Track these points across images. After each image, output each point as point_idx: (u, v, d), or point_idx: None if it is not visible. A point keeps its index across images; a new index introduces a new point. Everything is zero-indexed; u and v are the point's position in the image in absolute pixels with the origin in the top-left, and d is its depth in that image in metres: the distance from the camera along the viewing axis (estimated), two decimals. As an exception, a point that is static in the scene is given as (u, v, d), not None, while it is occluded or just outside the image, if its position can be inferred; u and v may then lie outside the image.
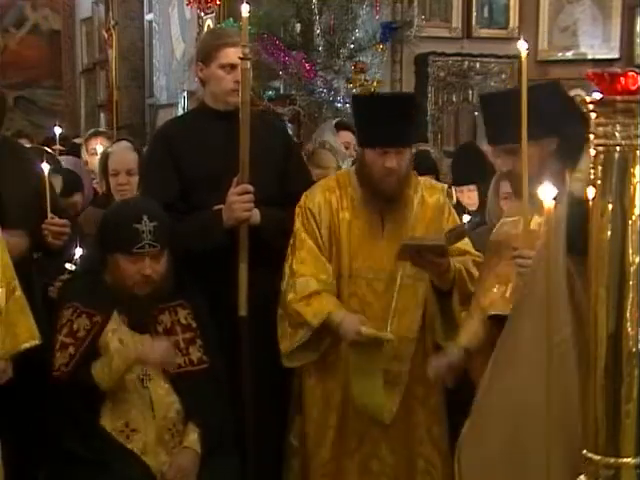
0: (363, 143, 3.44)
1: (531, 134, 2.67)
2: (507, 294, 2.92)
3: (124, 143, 4.56)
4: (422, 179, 3.56)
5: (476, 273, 3.30)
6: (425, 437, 3.43)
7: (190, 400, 3.23)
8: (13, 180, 3.49)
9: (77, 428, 3.14)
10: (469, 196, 4.50)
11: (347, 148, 4.83)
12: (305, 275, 3.35)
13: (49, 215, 3.48)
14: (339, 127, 5.00)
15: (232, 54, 3.48)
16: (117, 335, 3.21)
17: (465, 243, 3.37)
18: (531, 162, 2.74)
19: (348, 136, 4.94)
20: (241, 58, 3.35)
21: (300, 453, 3.53)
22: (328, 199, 3.43)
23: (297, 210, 3.45)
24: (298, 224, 3.42)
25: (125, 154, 4.39)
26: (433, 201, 3.45)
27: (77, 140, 6.91)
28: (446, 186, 3.69)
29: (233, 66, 3.48)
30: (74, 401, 3.13)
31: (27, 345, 3.10)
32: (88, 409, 3.15)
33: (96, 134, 5.96)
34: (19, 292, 3.12)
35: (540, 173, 2.75)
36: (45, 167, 3.45)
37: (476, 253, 3.37)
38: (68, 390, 3.13)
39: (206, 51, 3.60)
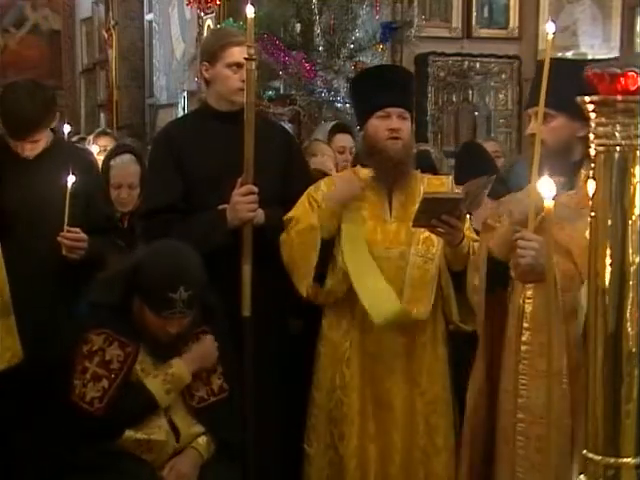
0: (365, 113, 3.44)
1: (568, 107, 2.61)
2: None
3: (127, 156, 4.54)
4: (426, 175, 3.61)
5: None
6: (422, 427, 3.41)
7: (208, 426, 3.23)
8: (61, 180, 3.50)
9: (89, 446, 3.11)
10: None
11: (342, 153, 4.77)
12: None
13: (65, 228, 3.49)
14: (336, 130, 4.93)
15: (238, 53, 3.49)
16: (140, 366, 3.16)
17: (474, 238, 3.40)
18: (556, 133, 2.72)
19: (345, 139, 4.87)
20: (246, 59, 3.36)
21: (314, 458, 3.49)
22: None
23: (302, 198, 3.47)
24: (296, 208, 3.45)
25: (128, 168, 4.46)
26: (439, 186, 3.49)
27: (75, 138, 6.89)
28: (451, 177, 3.72)
29: (239, 65, 3.49)
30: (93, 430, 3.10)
31: (7, 364, 3.12)
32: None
33: (103, 134, 6.01)
34: (7, 311, 3.13)
35: (559, 150, 2.73)
36: (70, 179, 3.47)
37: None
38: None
39: (211, 51, 3.59)
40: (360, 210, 3.38)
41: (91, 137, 6.25)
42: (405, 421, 3.40)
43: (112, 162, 4.51)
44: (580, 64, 2.83)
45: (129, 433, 3.10)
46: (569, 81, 2.49)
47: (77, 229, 3.53)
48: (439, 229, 3.16)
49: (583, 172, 2.72)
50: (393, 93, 3.38)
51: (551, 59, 2.82)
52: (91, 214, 3.64)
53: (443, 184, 3.54)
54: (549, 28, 2.64)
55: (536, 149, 2.61)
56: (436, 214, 3.12)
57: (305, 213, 3.42)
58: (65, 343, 3.21)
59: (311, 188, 3.49)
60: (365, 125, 3.44)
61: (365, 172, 3.46)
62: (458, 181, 4.58)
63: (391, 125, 3.35)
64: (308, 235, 3.34)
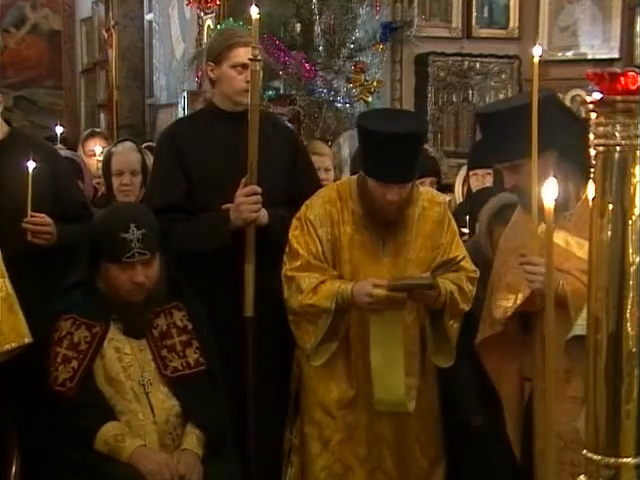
0: (366, 172, 3.33)
1: (530, 149, 2.68)
2: (518, 301, 2.92)
3: (128, 143, 4.53)
4: (423, 190, 3.54)
5: (470, 290, 3.33)
6: (415, 444, 3.46)
7: (188, 402, 3.21)
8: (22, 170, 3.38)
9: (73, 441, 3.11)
10: (484, 180, 4.51)
11: None
12: (302, 275, 3.34)
13: (29, 213, 3.38)
14: None
15: (243, 54, 3.48)
16: (113, 344, 3.18)
17: (462, 257, 3.38)
18: (531, 177, 2.75)
19: None
20: (251, 59, 3.36)
21: (302, 451, 3.52)
22: (329, 211, 3.39)
23: (295, 222, 3.41)
24: (292, 234, 3.39)
25: (129, 154, 4.39)
26: (433, 214, 3.43)
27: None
28: (447, 198, 3.69)
29: (245, 66, 3.49)
30: (74, 418, 3.11)
31: (14, 345, 3.07)
32: (87, 426, 3.11)
33: (93, 134, 5.96)
34: (6, 291, 3.09)
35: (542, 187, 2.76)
36: (30, 165, 3.37)
37: (472, 268, 3.38)
38: (69, 410, 3.11)
39: (217, 51, 3.60)
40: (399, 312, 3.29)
41: (81, 140, 6.17)
42: (399, 443, 3.44)
43: (113, 149, 4.48)
44: (515, 105, 2.93)
45: (107, 427, 3.09)
46: (522, 126, 2.58)
47: (42, 214, 3.42)
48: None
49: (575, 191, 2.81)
50: (396, 168, 3.19)
51: (493, 113, 2.93)
52: (63, 202, 3.56)
53: (439, 204, 3.47)
54: (535, 52, 2.67)
55: (533, 161, 2.63)
56: (407, 292, 3.21)
57: (308, 249, 3.35)
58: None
59: (307, 207, 3.42)
60: (364, 172, 3.34)
61: (358, 206, 3.39)
62: (473, 165, 4.56)
63: (388, 195, 3.25)
64: (319, 316, 3.32)
